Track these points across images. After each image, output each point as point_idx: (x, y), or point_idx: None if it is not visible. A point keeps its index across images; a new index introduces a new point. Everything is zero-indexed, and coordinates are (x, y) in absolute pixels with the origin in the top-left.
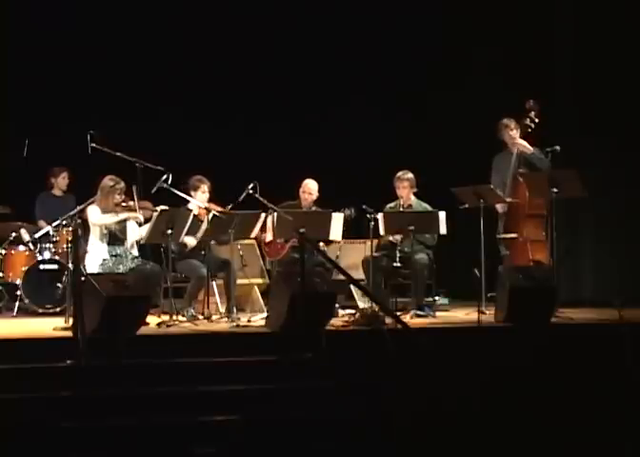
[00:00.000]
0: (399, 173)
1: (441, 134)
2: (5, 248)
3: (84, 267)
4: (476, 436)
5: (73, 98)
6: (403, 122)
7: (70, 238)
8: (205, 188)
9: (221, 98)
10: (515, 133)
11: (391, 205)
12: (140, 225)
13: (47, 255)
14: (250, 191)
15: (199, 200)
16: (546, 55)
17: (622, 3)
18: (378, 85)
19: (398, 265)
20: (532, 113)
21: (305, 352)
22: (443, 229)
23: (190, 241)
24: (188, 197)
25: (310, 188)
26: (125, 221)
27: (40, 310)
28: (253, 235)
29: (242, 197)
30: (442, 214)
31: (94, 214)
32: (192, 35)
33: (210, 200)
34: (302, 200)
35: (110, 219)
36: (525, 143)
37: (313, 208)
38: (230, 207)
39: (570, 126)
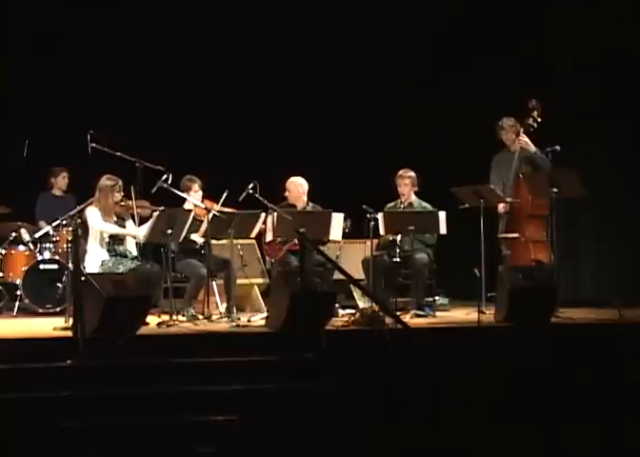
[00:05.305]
0: (401, 171)
1: (441, 134)
2: (5, 248)
3: (84, 267)
4: (477, 436)
5: (73, 98)
6: (403, 122)
7: (70, 238)
8: (196, 186)
9: (221, 98)
10: (515, 134)
11: (391, 204)
12: (142, 223)
13: (47, 255)
14: (250, 191)
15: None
16: (546, 55)
17: (622, 2)
18: (378, 85)
19: (398, 260)
20: (535, 113)
21: (305, 352)
22: (443, 229)
23: (198, 238)
24: (186, 197)
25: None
26: (124, 222)
27: (40, 310)
28: (253, 235)
29: (242, 197)
30: (442, 214)
31: (95, 219)
32: (192, 35)
33: (205, 197)
34: (294, 199)
35: (112, 229)
36: (528, 140)
37: (309, 207)
38: (224, 196)
39: (570, 126)
